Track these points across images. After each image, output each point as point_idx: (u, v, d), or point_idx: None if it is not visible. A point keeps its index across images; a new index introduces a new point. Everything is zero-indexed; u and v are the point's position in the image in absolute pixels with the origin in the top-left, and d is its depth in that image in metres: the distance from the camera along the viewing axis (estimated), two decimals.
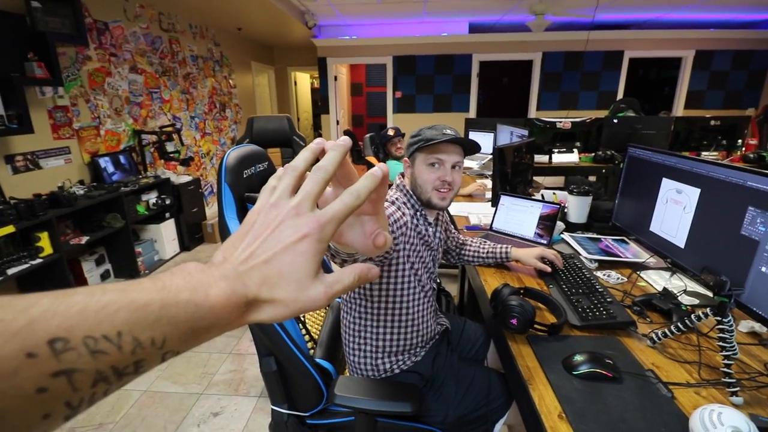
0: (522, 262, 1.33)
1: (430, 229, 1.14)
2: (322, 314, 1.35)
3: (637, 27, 5.45)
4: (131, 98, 3.50)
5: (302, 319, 1.20)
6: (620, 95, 5.59)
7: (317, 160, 0.31)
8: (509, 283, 1.10)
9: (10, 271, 2.09)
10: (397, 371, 1.10)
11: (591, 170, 3.53)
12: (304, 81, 7.81)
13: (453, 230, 1.39)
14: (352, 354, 1.12)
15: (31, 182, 2.56)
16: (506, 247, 1.35)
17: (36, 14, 2.49)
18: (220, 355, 2.10)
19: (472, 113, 5.87)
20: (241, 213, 1.01)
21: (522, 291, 1.13)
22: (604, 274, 1.32)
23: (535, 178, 2.99)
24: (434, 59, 5.70)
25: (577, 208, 1.69)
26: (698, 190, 1.12)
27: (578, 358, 0.87)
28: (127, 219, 2.87)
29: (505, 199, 1.74)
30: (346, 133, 6.03)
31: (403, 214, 1.05)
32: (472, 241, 1.42)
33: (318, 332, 1.27)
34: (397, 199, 1.12)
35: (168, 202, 3.32)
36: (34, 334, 0.19)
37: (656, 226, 1.31)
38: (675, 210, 1.22)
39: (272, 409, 1.05)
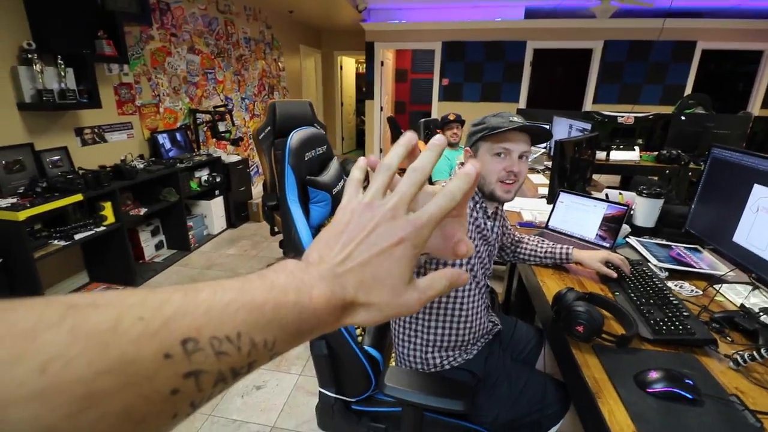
0: (584, 265, 1.25)
1: (489, 223, 1.10)
2: None
3: (713, 15, 4.95)
4: (188, 78, 3.63)
5: None
6: (689, 90, 5.14)
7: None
8: (572, 287, 1.03)
9: (77, 237, 2.25)
10: (447, 367, 1.08)
11: (653, 170, 3.28)
12: (349, 66, 7.79)
13: (509, 226, 1.33)
14: (402, 345, 1.10)
15: (97, 154, 2.73)
16: (567, 248, 1.27)
17: None
18: None
19: (522, 104, 5.63)
20: (302, 196, 1.01)
21: (587, 297, 1.06)
22: (676, 285, 1.22)
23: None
24: (485, 46, 5.49)
25: (646, 210, 1.57)
26: None
27: (654, 375, 0.80)
28: (181, 194, 3.01)
29: (564, 197, 1.65)
30: (389, 120, 5.96)
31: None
32: (529, 239, 1.35)
33: None
34: None
35: (218, 180, 3.45)
36: (170, 334, 0.18)
37: (741, 237, 1.19)
38: (767, 220, 1.09)
39: (320, 391, 1.07)
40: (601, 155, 3.20)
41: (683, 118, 3.37)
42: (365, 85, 6.22)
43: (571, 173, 2.03)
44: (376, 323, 0.27)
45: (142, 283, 2.69)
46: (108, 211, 2.43)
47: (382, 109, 6.24)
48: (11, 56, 2.22)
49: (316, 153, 1.16)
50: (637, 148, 3.33)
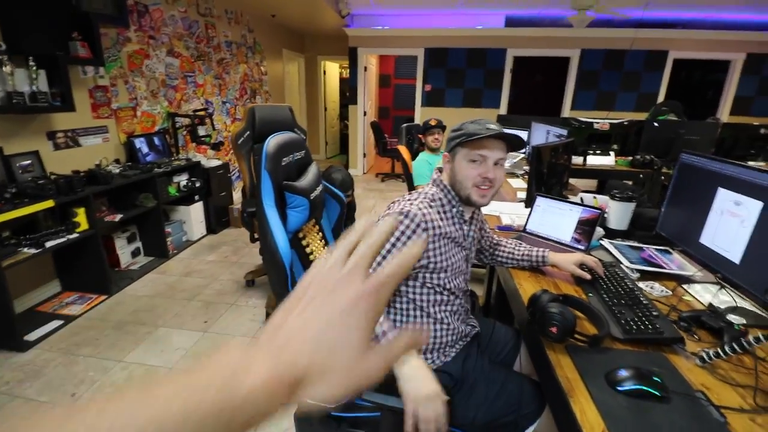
0: (559, 267, 1.28)
1: (465, 227, 1.11)
2: None
3: (684, 26, 5.16)
4: (167, 81, 3.57)
5: None
6: (661, 97, 5.33)
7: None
8: (547, 289, 1.05)
9: (48, 244, 2.17)
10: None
11: (627, 174, 3.38)
12: (333, 70, 7.79)
13: (488, 229, 1.35)
14: None
15: (71, 159, 2.65)
16: (543, 251, 1.30)
17: None
18: (245, 339, 2.14)
19: (502, 110, 5.73)
20: (279, 201, 1.01)
21: (561, 298, 1.08)
22: (647, 286, 1.25)
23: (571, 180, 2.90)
24: (467, 52, 5.58)
25: (619, 214, 1.62)
26: (760, 204, 1.04)
27: (624, 373, 0.82)
28: (158, 199, 2.94)
29: (541, 201, 1.68)
30: (372, 124, 5.99)
31: (426, 225, 1.01)
32: (506, 242, 1.37)
33: None
34: (431, 198, 1.08)
35: (198, 185, 3.39)
36: None
37: (707, 239, 1.23)
38: (731, 223, 1.14)
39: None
40: (578, 160, 3.28)
41: (656, 124, 3.49)
42: (348, 90, 6.23)
43: (548, 178, 2.07)
44: (338, 398, 0.24)
45: (117, 291, 2.61)
46: (81, 217, 2.35)
47: (365, 113, 6.26)
48: None
49: (293, 158, 1.16)
50: (612, 153, 3.43)
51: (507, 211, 1.97)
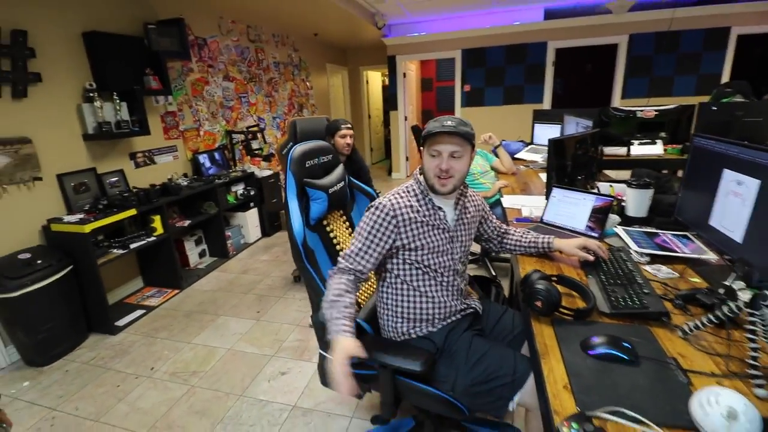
0: (563, 251, 1.34)
1: (441, 213, 1.21)
2: (371, 283, 1.52)
3: None
4: (224, 103, 4.02)
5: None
6: (725, 78, 4.89)
7: None
8: (539, 270, 1.14)
9: (132, 245, 2.61)
10: (413, 336, 1.23)
11: (678, 163, 3.19)
12: (375, 79, 8.08)
13: (493, 219, 1.44)
14: (380, 318, 1.29)
15: (148, 174, 3.13)
16: (549, 238, 1.37)
17: (152, 36, 3.01)
18: (290, 326, 2.40)
19: (546, 104, 5.60)
20: (301, 195, 1.24)
21: (555, 278, 1.16)
22: (653, 269, 1.28)
23: (609, 172, 2.83)
24: (505, 50, 5.54)
25: (636, 201, 1.62)
26: (758, 182, 1.05)
27: (596, 339, 0.90)
28: (219, 207, 3.35)
29: (557, 192, 1.73)
30: (413, 128, 6.14)
31: (395, 212, 1.15)
32: (514, 231, 1.45)
33: (366, 298, 1.45)
34: (406, 189, 1.22)
35: (252, 193, 3.78)
36: None
37: (716, 221, 1.24)
38: (734, 203, 1.15)
39: (320, 353, 1.27)
40: (621, 151, 3.18)
41: (714, 108, 3.26)
42: (389, 97, 6.45)
43: (573, 170, 2.09)
44: None
45: (187, 286, 3.03)
46: (157, 223, 2.79)
47: (406, 118, 6.43)
48: (77, 95, 2.64)
49: (319, 161, 1.39)
50: (660, 141, 3.26)
51: (529, 204, 2.03)
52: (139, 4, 3.06)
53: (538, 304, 1.03)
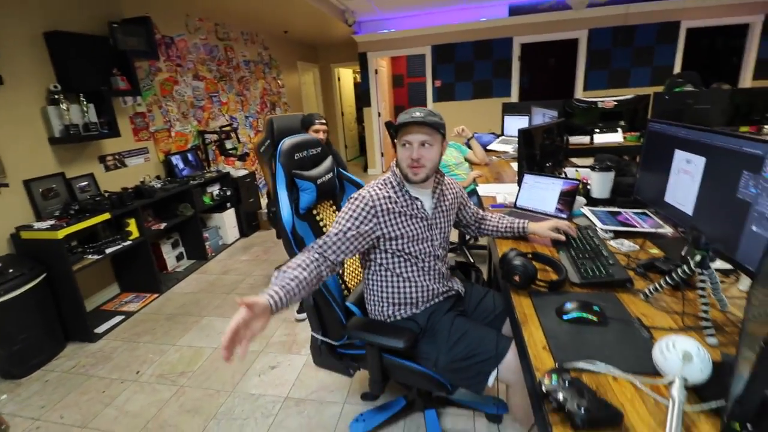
0: (537, 234, 1.43)
1: (418, 203, 1.27)
2: (359, 270, 1.58)
3: None
4: (195, 102, 3.95)
5: (339, 271, 1.45)
6: (677, 70, 5.23)
7: None
8: (515, 248, 1.23)
9: (108, 250, 2.55)
10: (398, 318, 1.30)
11: (637, 149, 3.41)
12: (347, 76, 8.09)
13: (471, 205, 1.52)
14: (368, 303, 1.35)
15: (119, 178, 3.04)
16: (523, 222, 1.46)
17: (117, 35, 2.92)
18: (277, 322, 2.42)
19: (514, 97, 5.80)
20: (291, 185, 1.30)
21: (530, 255, 1.26)
22: (617, 243, 1.40)
23: (575, 159, 2.99)
24: (473, 45, 5.70)
25: (600, 183, 1.75)
26: (704, 159, 1.18)
27: (569, 305, 0.99)
28: (195, 208, 3.30)
29: (528, 178, 1.84)
30: (386, 124, 6.21)
31: (374, 202, 1.19)
32: (491, 216, 1.53)
33: (356, 284, 1.51)
34: (384, 182, 1.27)
35: (229, 193, 3.74)
36: None
37: (670, 197, 1.37)
38: (685, 180, 1.27)
39: (311, 334, 1.33)
40: (585, 140, 3.36)
41: (667, 97, 3.50)
42: (361, 94, 6.49)
43: (542, 159, 2.21)
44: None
45: (166, 290, 2.97)
46: (132, 226, 2.72)
47: (380, 114, 6.49)
48: (41, 98, 2.54)
49: (308, 153, 1.44)
50: (619, 129, 3.47)
51: (502, 191, 2.14)
52: (103, 2, 2.96)
53: (516, 278, 1.11)
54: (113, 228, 2.71)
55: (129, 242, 2.69)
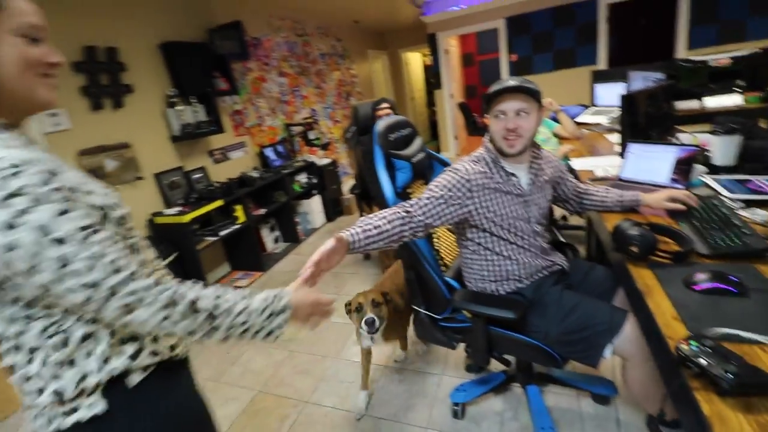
0: (651, 206, 1.33)
1: (514, 178, 1.23)
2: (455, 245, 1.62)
3: None
4: (281, 98, 4.24)
5: (436, 247, 1.51)
6: None
7: None
8: (630, 218, 1.17)
9: (222, 233, 2.91)
10: (502, 293, 1.30)
11: (762, 112, 2.95)
12: (415, 60, 8.04)
13: (570, 178, 1.44)
14: (467, 281, 1.37)
15: (225, 169, 3.42)
16: (635, 194, 1.36)
17: (215, 40, 3.24)
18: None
19: (602, 64, 5.31)
20: (388, 165, 1.37)
21: (647, 226, 1.18)
22: (749, 213, 1.26)
23: (683, 127, 2.69)
24: (552, 12, 5.30)
25: (722, 149, 1.58)
26: None
27: (701, 276, 0.93)
28: (288, 195, 3.60)
29: (633, 147, 1.72)
30: (459, 105, 6.08)
31: (469, 176, 1.19)
32: (596, 190, 1.44)
33: (452, 260, 1.57)
34: (477, 158, 1.26)
35: (314, 181, 4.00)
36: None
37: None
38: None
39: (413, 307, 1.40)
40: (694, 104, 2.99)
41: None
42: (433, 76, 6.42)
43: (648, 127, 2.03)
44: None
45: (268, 269, 3.32)
46: (239, 212, 3.07)
47: (452, 96, 6.38)
48: (161, 102, 2.93)
49: (400, 134, 1.50)
50: (737, 90, 3.03)
51: (601, 164, 2.01)
52: (202, 11, 3.30)
53: (634, 248, 1.06)
54: (224, 213, 3.07)
55: (237, 226, 3.04)
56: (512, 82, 1.15)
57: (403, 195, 1.47)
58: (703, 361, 0.69)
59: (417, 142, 1.56)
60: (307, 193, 4.01)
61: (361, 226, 1.05)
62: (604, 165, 1.98)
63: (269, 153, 3.83)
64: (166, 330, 0.58)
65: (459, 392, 1.61)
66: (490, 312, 1.19)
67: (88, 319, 0.58)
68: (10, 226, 0.48)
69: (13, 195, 0.48)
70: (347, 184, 5.21)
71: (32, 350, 0.57)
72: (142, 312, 0.56)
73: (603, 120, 2.94)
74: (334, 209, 4.29)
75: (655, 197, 1.34)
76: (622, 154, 1.98)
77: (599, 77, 3.45)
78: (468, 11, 5.66)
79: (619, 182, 1.70)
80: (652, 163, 1.63)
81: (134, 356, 0.62)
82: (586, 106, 3.46)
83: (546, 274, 1.32)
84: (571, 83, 5.21)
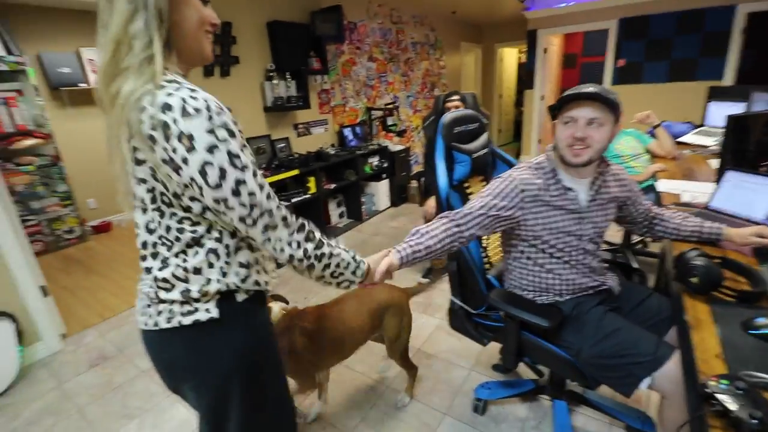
0: (734, 240, 1.20)
1: (570, 194, 1.17)
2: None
3: None
4: (367, 82, 4.40)
5: (483, 244, 1.52)
6: None
7: None
8: (698, 247, 1.07)
9: (294, 200, 3.16)
10: (539, 303, 1.27)
11: None
12: (510, 57, 7.71)
13: (643, 201, 1.33)
14: (507, 285, 1.36)
15: (305, 143, 3.68)
16: (718, 226, 1.24)
17: (316, 22, 3.46)
18: (416, 276, 2.67)
19: (728, 80, 4.63)
20: (448, 157, 1.41)
21: (719, 259, 1.08)
22: None
23: None
24: (676, 16, 4.72)
25: None
26: None
27: (763, 320, 0.85)
28: (358, 175, 3.77)
29: (732, 176, 1.54)
30: (549, 108, 5.74)
31: (523, 186, 1.16)
32: (672, 215, 1.33)
33: (497, 260, 1.56)
34: (537, 165, 1.21)
35: (385, 165, 4.12)
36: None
37: None
38: None
39: (450, 299, 1.44)
40: None
41: None
42: (525, 75, 6.12)
43: (757, 156, 1.78)
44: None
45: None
46: (312, 183, 3.30)
47: (543, 98, 6.04)
48: (260, 75, 3.23)
49: (467, 128, 1.53)
50: None
51: (691, 190, 1.82)
52: None
53: (694, 280, 0.99)
54: (298, 183, 3.33)
55: (308, 196, 3.28)
56: (591, 88, 1.08)
57: (458, 188, 1.49)
58: (728, 400, 0.65)
59: (482, 138, 1.56)
60: (376, 176, 4.15)
61: (411, 245, 1.05)
62: (693, 191, 1.79)
63: (347, 133, 4.02)
64: (290, 251, 0.74)
65: (484, 389, 1.63)
66: (524, 316, 1.18)
67: (228, 233, 0.74)
68: (214, 148, 0.63)
69: (220, 127, 0.64)
70: (415, 172, 5.27)
71: (177, 254, 0.72)
72: (283, 232, 0.72)
73: (709, 142, 2.61)
74: (399, 195, 4.38)
75: (740, 231, 1.21)
76: (717, 181, 1.77)
77: (716, 94, 3.05)
78: (577, 8, 5.28)
79: (705, 211, 1.54)
80: (750, 195, 1.45)
81: (243, 280, 0.77)
82: (696, 126, 3.09)
83: (591, 293, 1.27)
84: (684, 98, 4.65)
